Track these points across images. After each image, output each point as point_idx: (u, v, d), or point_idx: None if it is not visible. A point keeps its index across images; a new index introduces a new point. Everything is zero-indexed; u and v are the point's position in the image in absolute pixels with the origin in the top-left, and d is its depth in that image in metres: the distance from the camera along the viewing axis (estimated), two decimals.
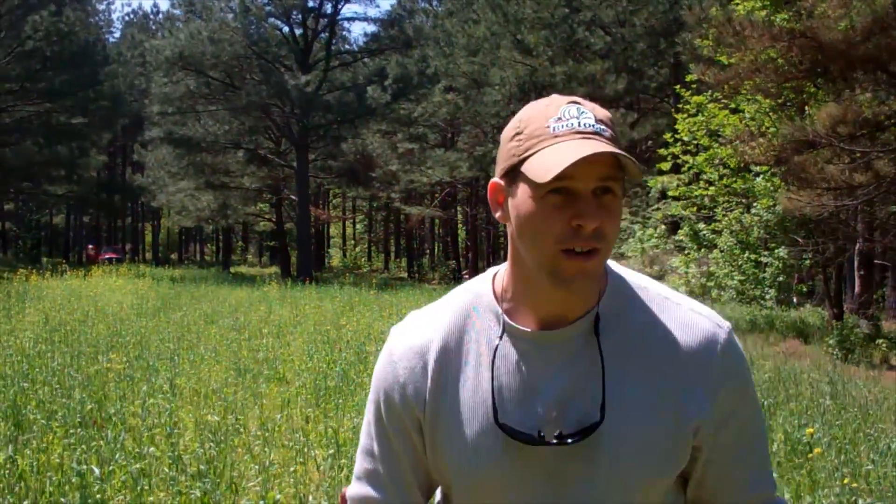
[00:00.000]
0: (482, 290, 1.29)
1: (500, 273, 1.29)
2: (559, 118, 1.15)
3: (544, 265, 1.15)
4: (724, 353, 1.21)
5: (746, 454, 1.25)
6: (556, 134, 1.14)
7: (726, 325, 1.24)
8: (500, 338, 1.23)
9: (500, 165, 1.21)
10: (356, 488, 1.35)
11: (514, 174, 1.17)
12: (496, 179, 1.22)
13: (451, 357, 1.26)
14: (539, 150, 1.14)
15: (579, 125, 1.14)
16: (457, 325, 1.27)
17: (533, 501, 1.20)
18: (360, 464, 1.34)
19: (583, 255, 1.12)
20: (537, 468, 1.19)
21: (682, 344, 1.20)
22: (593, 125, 1.14)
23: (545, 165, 1.10)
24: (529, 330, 1.22)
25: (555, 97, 1.21)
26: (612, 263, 1.28)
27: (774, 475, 1.33)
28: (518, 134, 1.18)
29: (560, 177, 1.09)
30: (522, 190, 1.15)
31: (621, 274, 1.27)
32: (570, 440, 1.15)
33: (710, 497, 1.27)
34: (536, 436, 1.17)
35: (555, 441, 1.16)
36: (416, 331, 1.30)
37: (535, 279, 1.19)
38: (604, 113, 1.18)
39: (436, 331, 1.28)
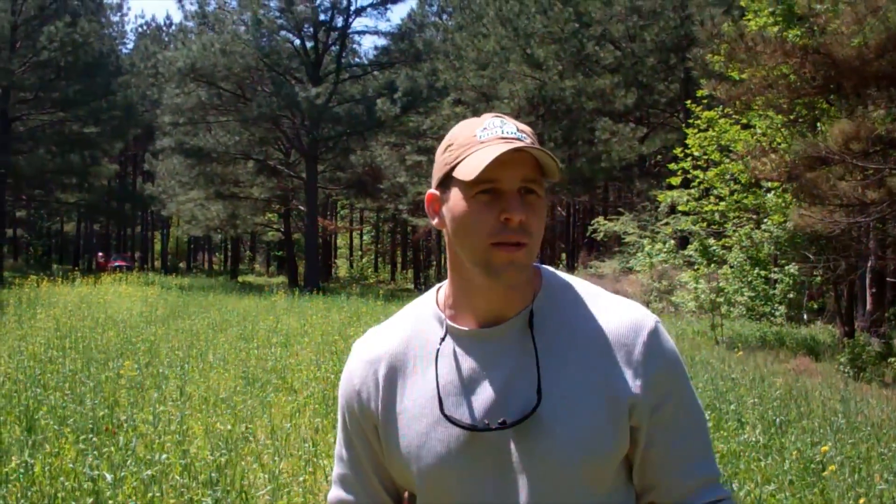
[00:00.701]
0: (427, 301, 1.41)
1: (443, 285, 1.40)
2: (484, 128, 1.28)
3: (478, 259, 1.25)
4: (651, 337, 1.29)
5: (685, 439, 1.31)
6: (481, 140, 1.26)
7: (653, 316, 1.33)
8: (443, 339, 1.33)
9: (435, 177, 1.34)
10: (332, 491, 1.47)
11: (447, 181, 1.30)
12: (432, 190, 1.35)
13: (399, 364, 1.36)
14: (467, 155, 1.26)
15: (502, 132, 1.26)
16: (404, 335, 1.39)
17: (487, 493, 1.26)
18: (335, 468, 1.47)
19: (512, 246, 1.23)
20: (486, 458, 1.26)
21: (611, 331, 1.29)
22: (514, 132, 1.26)
23: (472, 164, 1.23)
24: (469, 329, 1.31)
25: (484, 115, 1.33)
26: (548, 268, 1.39)
27: (719, 474, 1.36)
28: (450, 146, 1.31)
29: (488, 178, 1.22)
30: (455, 193, 1.28)
31: (555, 275, 1.38)
32: (510, 425, 1.23)
33: (652, 482, 1.31)
34: (480, 424, 1.25)
35: (496, 426, 1.24)
36: (370, 344, 1.42)
37: (472, 278, 1.29)
38: (525, 127, 1.30)
39: (386, 342, 1.40)
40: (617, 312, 1.31)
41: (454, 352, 1.31)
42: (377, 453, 1.38)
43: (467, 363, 1.30)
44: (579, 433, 1.23)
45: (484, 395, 1.27)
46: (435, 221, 1.34)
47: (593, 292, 1.35)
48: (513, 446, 1.25)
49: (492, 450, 1.26)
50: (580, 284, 1.37)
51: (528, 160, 1.24)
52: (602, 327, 1.29)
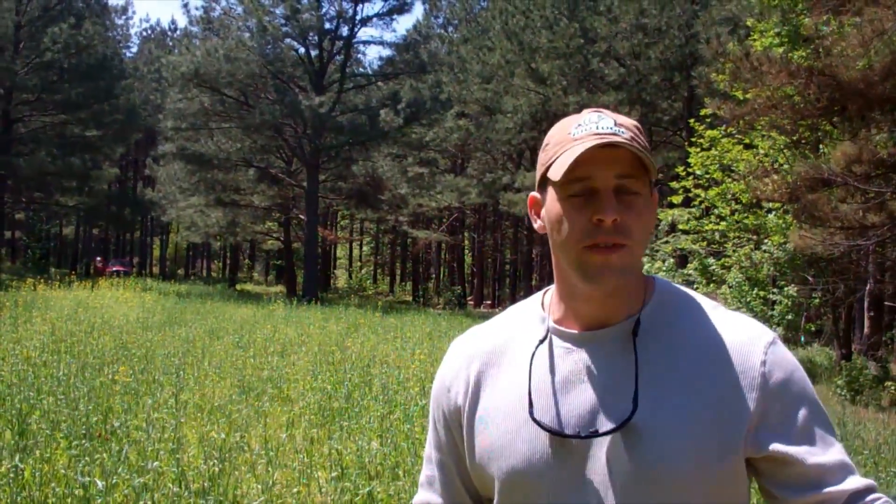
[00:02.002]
0: (533, 302, 1.36)
1: (550, 289, 1.34)
2: (579, 124, 1.21)
3: (573, 263, 1.20)
4: (770, 349, 1.22)
5: (819, 451, 1.19)
6: (575, 137, 1.20)
7: (771, 333, 1.25)
8: (542, 340, 1.28)
9: (536, 179, 1.28)
10: (418, 495, 1.44)
11: (544, 183, 1.25)
12: (533, 193, 1.30)
13: (493, 362, 1.32)
14: (561, 153, 1.20)
15: (597, 128, 1.19)
16: (503, 334, 1.34)
17: (570, 502, 1.20)
18: (423, 470, 1.43)
19: (606, 248, 1.17)
20: (574, 466, 1.20)
21: (726, 344, 1.21)
22: (611, 127, 1.19)
23: (562, 164, 1.17)
24: (571, 331, 1.26)
25: (584, 111, 1.26)
26: (662, 278, 1.32)
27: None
28: (546, 146, 1.26)
29: (579, 177, 1.17)
30: (550, 195, 1.23)
31: (669, 285, 1.31)
32: (602, 434, 1.18)
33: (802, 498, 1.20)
34: (569, 431, 1.20)
35: (587, 434, 1.18)
36: (466, 341, 1.39)
37: (575, 283, 1.23)
38: (627, 120, 1.23)
39: (484, 340, 1.36)
40: (733, 326, 1.24)
41: (551, 354, 1.26)
42: (462, 456, 1.33)
43: (564, 367, 1.24)
44: (677, 448, 1.16)
45: (577, 401, 1.22)
46: (537, 225, 1.29)
47: (710, 305, 1.28)
48: (603, 457, 1.18)
49: (581, 458, 1.19)
50: (696, 297, 1.30)
51: (624, 157, 1.17)
52: (716, 340, 1.22)
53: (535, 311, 1.33)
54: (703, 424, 1.17)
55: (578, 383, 1.23)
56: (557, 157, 1.20)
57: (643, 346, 1.22)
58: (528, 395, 1.23)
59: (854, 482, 1.19)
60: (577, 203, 1.18)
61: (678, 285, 1.32)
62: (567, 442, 1.20)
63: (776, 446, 1.19)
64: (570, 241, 1.19)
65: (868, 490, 1.19)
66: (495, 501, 1.28)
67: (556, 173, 1.18)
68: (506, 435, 1.24)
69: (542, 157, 1.25)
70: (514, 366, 1.29)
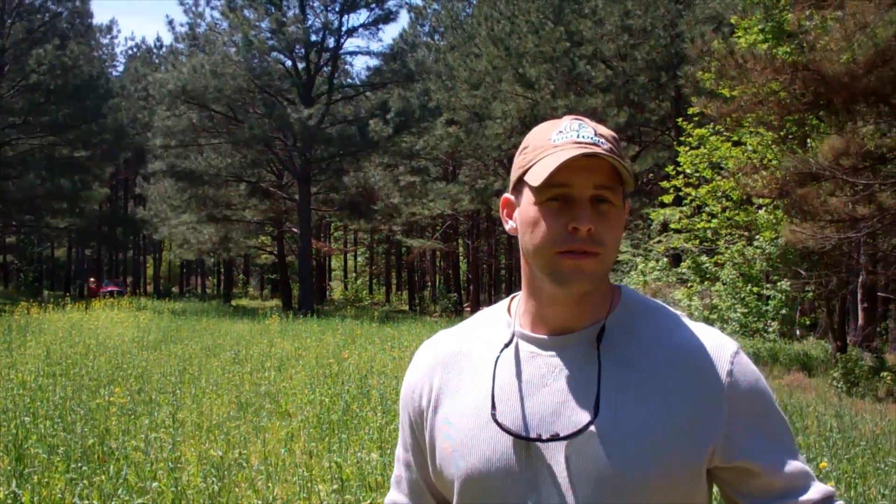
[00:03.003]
0: (499, 307, 1.38)
1: (517, 295, 1.36)
2: (560, 131, 1.23)
3: (545, 267, 1.21)
4: (734, 359, 1.23)
5: (780, 463, 1.23)
6: (555, 144, 1.21)
7: (735, 343, 1.27)
8: (507, 344, 1.29)
9: (511, 181, 1.30)
10: (389, 493, 1.49)
11: (520, 186, 1.26)
12: (507, 194, 1.32)
13: (458, 365, 1.34)
14: (540, 159, 1.21)
15: (578, 136, 1.21)
16: (469, 337, 1.37)
17: (531, 503, 1.20)
18: (394, 469, 1.47)
19: (579, 254, 1.19)
20: (534, 470, 1.21)
21: (689, 352, 1.23)
22: (592, 137, 1.21)
23: (541, 169, 1.19)
24: (537, 335, 1.28)
25: (564, 117, 1.28)
26: (629, 287, 1.34)
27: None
28: (525, 148, 1.27)
29: (557, 183, 1.18)
30: (526, 198, 1.24)
31: (635, 294, 1.33)
32: (563, 438, 1.19)
33: None
34: (532, 434, 1.21)
35: (548, 438, 1.19)
36: (433, 344, 1.41)
37: (543, 287, 1.25)
38: (606, 130, 1.25)
39: (450, 343, 1.38)
40: (698, 335, 1.25)
41: (517, 358, 1.28)
42: (426, 457, 1.35)
43: (528, 371, 1.26)
44: (637, 453, 1.17)
45: (540, 404, 1.23)
46: (508, 227, 1.31)
47: (674, 315, 1.30)
48: (564, 461, 1.19)
49: (541, 461, 1.20)
50: (661, 307, 1.31)
51: (602, 167, 1.19)
52: (681, 348, 1.24)
53: (502, 316, 1.35)
54: (666, 431, 1.18)
55: (542, 387, 1.24)
56: (537, 162, 1.21)
57: (607, 352, 1.23)
58: (492, 398, 1.25)
59: (816, 491, 1.23)
60: (552, 208, 1.20)
61: (643, 295, 1.34)
62: (528, 445, 1.21)
63: (744, 457, 1.21)
64: (544, 246, 1.20)
65: (828, 498, 1.24)
66: (455, 502, 1.28)
67: (535, 178, 1.19)
68: (467, 435, 1.26)
69: (520, 160, 1.26)
70: (478, 369, 1.31)
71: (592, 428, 1.18)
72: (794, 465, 1.23)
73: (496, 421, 1.23)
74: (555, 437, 1.19)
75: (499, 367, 1.28)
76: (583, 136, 1.21)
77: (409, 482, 1.42)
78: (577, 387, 1.22)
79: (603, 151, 1.18)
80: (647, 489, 1.17)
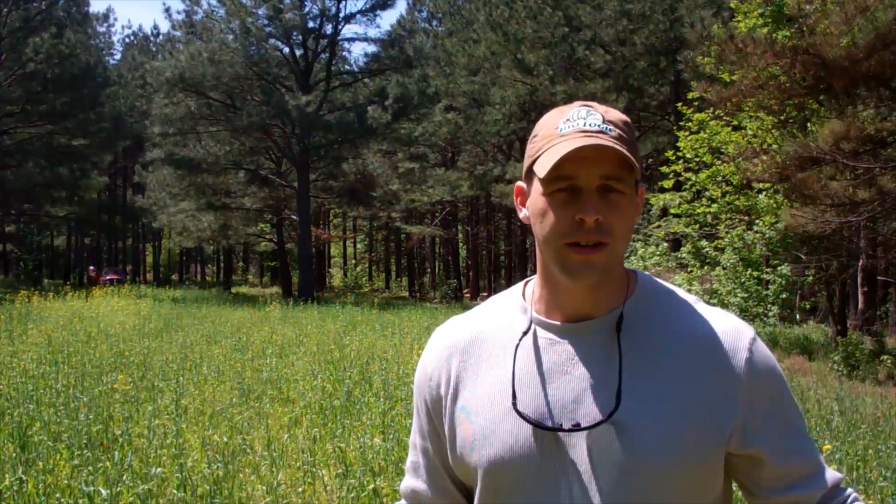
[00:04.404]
0: (514, 292, 1.37)
1: (532, 280, 1.35)
2: (568, 119, 1.21)
3: (554, 259, 1.21)
4: (751, 346, 1.23)
5: (793, 453, 1.24)
6: (562, 133, 1.19)
7: (752, 329, 1.26)
8: (526, 331, 1.28)
9: (523, 169, 1.29)
10: (405, 480, 1.47)
11: (530, 175, 1.25)
12: (520, 182, 1.30)
13: (476, 352, 1.32)
14: (547, 149, 1.20)
15: (585, 125, 1.19)
16: (485, 324, 1.35)
17: (553, 495, 1.20)
18: (409, 456, 1.46)
19: (588, 248, 1.17)
20: (556, 459, 1.20)
21: (707, 338, 1.23)
22: (599, 125, 1.19)
23: (546, 161, 1.18)
24: (554, 322, 1.27)
25: (573, 103, 1.26)
26: (645, 273, 1.33)
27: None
28: (534, 137, 1.25)
29: (563, 175, 1.17)
30: (535, 188, 1.23)
31: (652, 280, 1.32)
32: (584, 427, 1.18)
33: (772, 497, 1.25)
34: (553, 423, 1.21)
35: (569, 428, 1.19)
36: (448, 331, 1.39)
37: (556, 274, 1.24)
38: (616, 115, 1.22)
39: (465, 329, 1.36)
40: (714, 321, 1.25)
41: (535, 345, 1.27)
42: (444, 443, 1.34)
43: (548, 358, 1.25)
44: (660, 442, 1.16)
45: (561, 392, 1.22)
46: (522, 214, 1.29)
47: (691, 300, 1.29)
48: (586, 450, 1.19)
49: (563, 450, 1.20)
50: (678, 292, 1.30)
51: (609, 155, 1.17)
52: (699, 335, 1.23)
53: (517, 302, 1.33)
54: (687, 418, 1.18)
55: (562, 375, 1.23)
56: (544, 152, 1.20)
57: (626, 340, 1.22)
58: (512, 386, 1.24)
59: (828, 478, 1.25)
60: (560, 199, 1.18)
61: (660, 280, 1.33)
62: (550, 434, 1.21)
63: (757, 445, 1.22)
64: (553, 237, 1.19)
65: (836, 487, 1.25)
66: (478, 490, 1.28)
67: (541, 169, 1.18)
68: (488, 425, 1.25)
69: (530, 149, 1.25)
70: (496, 356, 1.30)
71: (614, 417, 1.18)
72: (807, 455, 1.25)
73: (517, 410, 1.22)
74: (576, 427, 1.19)
75: (518, 355, 1.27)
76: (590, 125, 1.19)
77: (428, 468, 1.41)
78: (597, 375, 1.21)
79: (608, 140, 1.17)
80: (669, 478, 1.18)
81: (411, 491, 1.44)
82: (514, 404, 1.23)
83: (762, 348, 1.25)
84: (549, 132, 1.22)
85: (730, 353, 1.22)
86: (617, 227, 1.18)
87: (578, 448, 1.19)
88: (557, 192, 1.18)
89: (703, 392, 1.19)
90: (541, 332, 1.27)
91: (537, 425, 1.21)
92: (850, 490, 1.26)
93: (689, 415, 1.18)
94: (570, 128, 1.19)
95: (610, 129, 1.19)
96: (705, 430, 1.19)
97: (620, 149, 1.16)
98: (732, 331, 1.24)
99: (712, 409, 1.19)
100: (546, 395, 1.23)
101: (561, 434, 1.20)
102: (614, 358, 1.21)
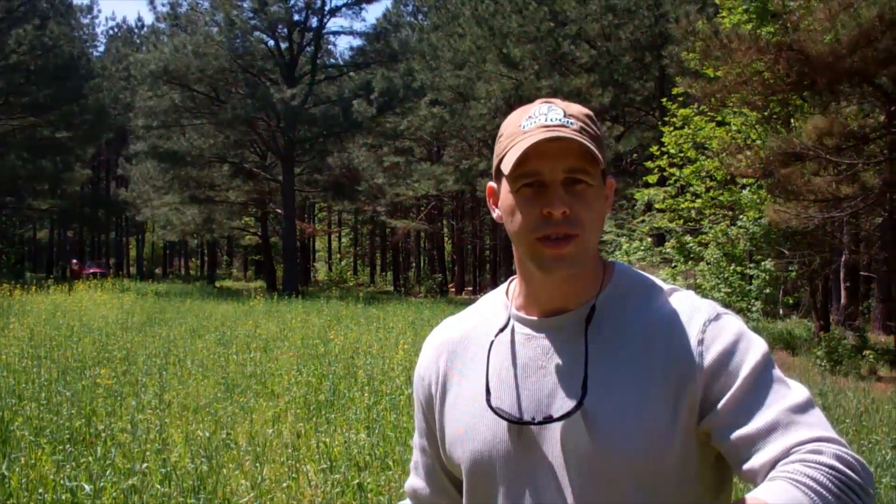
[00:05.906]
0: (499, 291, 1.39)
1: (517, 278, 1.36)
2: (530, 116, 1.23)
3: (527, 255, 1.23)
4: (710, 317, 1.20)
5: (767, 418, 1.12)
6: (525, 130, 1.21)
7: (716, 308, 1.22)
8: (503, 328, 1.31)
9: (493, 170, 1.30)
10: (408, 479, 1.50)
11: (499, 174, 1.27)
12: (491, 183, 1.32)
13: (461, 351, 1.36)
14: (511, 147, 1.21)
15: (547, 120, 1.21)
16: (471, 323, 1.38)
17: (533, 486, 1.22)
18: (413, 455, 1.49)
19: (558, 241, 1.19)
20: (533, 452, 1.22)
21: (666, 317, 1.23)
22: (560, 119, 1.21)
23: (509, 158, 1.19)
24: (531, 317, 1.29)
25: (535, 101, 1.27)
26: (622, 264, 1.33)
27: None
28: (500, 136, 1.27)
29: (527, 171, 1.19)
30: (504, 187, 1.25)
31: (629, 272, 1.32)
32: (555, 420, 1.20)
33: (751, 464, 1.11)
34: (526, 417, 1.23)
35: (541, 421, 1.21)
36: (439, 332, 1.43)
37: (531, 271, 1.26)
38: (577, 109, 1.24)
39: (453, 330, 1.40)
40: (677, 304, 1.24)
41: (512, 341, 1.29)
42: (438, 441, 1.37)
43: (524, 353, 1.27)
44: (625, 427, 1.16)
45: (535, 386, 1.24)
46: (495, 214, 1.31)
47: (665, 288, 1.28)
48: (559, 443, 1.20)
49: (538, 443, 1.22)
50: (654, 281, 1.30)
51: (572, 148, 1.18)
52: (660, 319, 1.23)
53: (500, 300, 1.36)
54: (652, 403, 1.17)
55: (537, 370, 1.25)
56: (508, 150, 1.22)
57: (596, 332, 1.24)
58: (486, 383, 1.27)
59: (799, 435, 1.10)
60: (527, 195, 1.20)
61: (639, 270, 1.33)
62: (524, 427, 1.22)
63: (718, 419, 1.14)
64: (523, 233, 1.21)
65: (812, 441, 1.09)
66: (464, 486, 1.31)
67: (506, 167, 1.20)
68: (471, 421, 1.28)
69: (497, 149, 1.27)
70: (478, 354, 1.32)
71: (583, 408, 1.19)
72: (767, 418, 1.12)
73: (490, 406, 1.25)
74: (548, 420, 1.20)
75: (493, 353, 1.29)
76: (551, 119, 1.20)
77: (426, 467, 1.45)
78: (569, 368, 1.23)
79: (570, 133, 1.18)
80: (641, 463, 1.17)
81: (413, 490, 1.48)
82: (489, 400, 1.25)
83: (721, 326, 1.19)
84: (513, 131, 1.23)
85: (687, 331, 1.20)
86: (585, 219, 1.20)
87: (552, 441, 1.21)
88: (524, 188, 1.20)
89: (663, 372, 1.18)
90: (519, 328, 1.30)
91: (510, 420, 1.23)
92: (819, 443, 1.10)
93: (652, 402, 1.17)
94: (532, 124, 1.21)
95: (571, 123, 1.20)
96: (667, 410, 1.17)
97: (583, 140, 1.17)
98: (690, 309, 1.22)
99: (672, 388, 1.17)
100: (521, 391, 1.25)
101: (535, 428, 1.22)
102: (583, 351, 1.22)
